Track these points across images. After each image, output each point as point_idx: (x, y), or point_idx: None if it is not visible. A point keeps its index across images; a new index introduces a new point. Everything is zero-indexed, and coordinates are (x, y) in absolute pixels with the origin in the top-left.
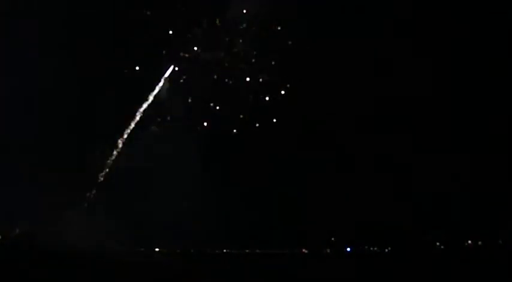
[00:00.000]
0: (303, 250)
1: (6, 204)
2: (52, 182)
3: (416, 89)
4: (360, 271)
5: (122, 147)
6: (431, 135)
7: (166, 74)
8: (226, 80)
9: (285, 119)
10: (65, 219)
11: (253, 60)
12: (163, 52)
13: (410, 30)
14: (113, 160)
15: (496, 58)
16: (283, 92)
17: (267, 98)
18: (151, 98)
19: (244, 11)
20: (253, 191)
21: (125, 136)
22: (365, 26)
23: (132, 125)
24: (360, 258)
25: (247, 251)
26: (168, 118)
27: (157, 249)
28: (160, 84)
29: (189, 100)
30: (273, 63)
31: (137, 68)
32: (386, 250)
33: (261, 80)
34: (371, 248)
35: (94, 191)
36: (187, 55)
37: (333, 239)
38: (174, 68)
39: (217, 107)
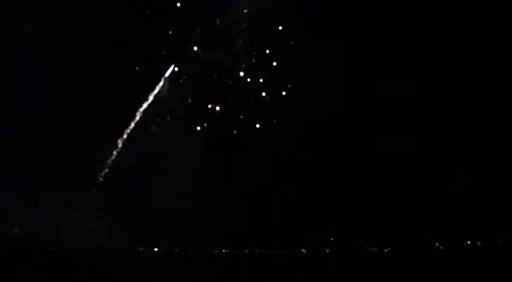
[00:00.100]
0: (302, 250)
1: (6, 204)
2: (52, 182)
3: (416, 89)
4: (359, 271)
5: (121, 147)
6: (431, 136)
7: (167, 74)
8: (226, 80)
9: (285, 119)
10: (65, 219)
11: (253, 60)
12: (163, 52)
13: (411, 30)
14: (112, 160)
15: (496, 58)
16: (283, 92)
17: (267, 98)
18: (151, 98)
19: (245, 11)
20: (252, 191)
21: (125, 136)
22: (366, 26)
23: (132, 125)
24: (359, 259)
25: (246, 251)
26: (168, 118)
27: (156, 249)
28: (160, 84)
29: (189, 100)
30: (273, 63)
31: (137, 68)
32: (386, 250)
33: (261, 80)
34: (370, 249)
35: (94, 191)
36: (187, 55)
37: (332, 239)
38: (174, 68)
39: (217, 107)
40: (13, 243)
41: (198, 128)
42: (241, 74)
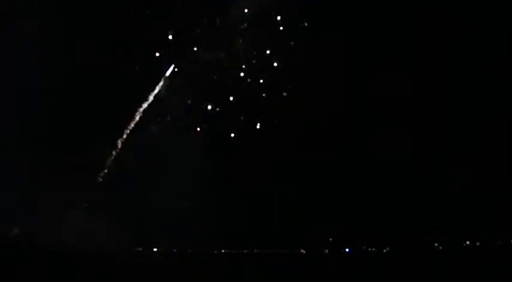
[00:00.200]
0: (302, 250)
1: (6, 204)
2: (52, 182)
3: (416, 89)
4: (359, 271)
5: (121, 147)
6: (430, 136)
7: (167, 74)
8: (226, 80)
9: (285, 119)
10: (64, 219)
11: (253, 60)
12: (163, 52)
13: (411, 31)
14: (112, 160)
15: (496, 58)
16: (283, 92)
17: (267, 98)
18: (151, 98)
19: (245, 11)
20: (252, 191)
21: (125, 136)
22: (366, 26)
23: (132, 124)
24: (359, 259)
25: (246, 251)
26: (168, 118)
27: (156, 250)
28: (160, 84)
29: (189, 100)
30: (273, 63)
31: (137, 68)
32: (385, 250)
33: (261, 80)
34: (369, 249)
35: (94, 191)
36: (187, 55)
37: (331, 239)
38: (174, 68)
39: (218, 107)
40: (13, 243)
41: (198, 128)
42: (241, 74)
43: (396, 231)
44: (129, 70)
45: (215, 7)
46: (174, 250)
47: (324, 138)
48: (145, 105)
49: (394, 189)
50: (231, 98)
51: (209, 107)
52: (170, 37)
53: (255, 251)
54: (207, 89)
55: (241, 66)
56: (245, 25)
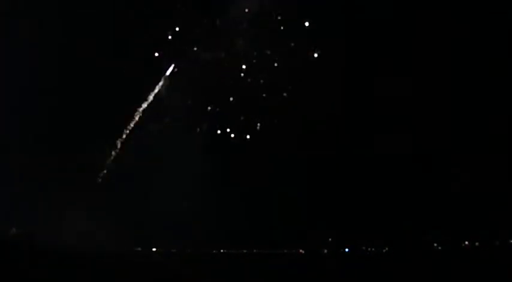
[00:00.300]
0: (301, 250)
1: (6, 204)
2: (52, 182)
3: (416, 89)
4: (358, 271)
5: (121, 147)
6: (430, 136)
7: (167, 74)
8: (226, 80)
9: (285, 119)
10: (64, 219)
11: (253, 60)
12: (163, 52)
13: (411, 31)
14: (112, 160)
15: (496, 58)
16: (283, 92)
17: (267, 98)
18: (151, 98)
19: (245, 11)
20: (252, 191)
21: (125, 136)
22: (366, 26)
23: (132, 125)
24: (358, 259)
25: (246, 251)
26: (168, 118)
27: (156, 250)
28: (160, 84)
29: (189, 100)
30: (273, 63)
31: (137, 67)
32: (384, 250)
33: (261, 80)
34: (369, 249)
35: (94, 191)
36: (187, 55)
37: (330, 239)
38: (174, 68)
39: (218, 107)
40: (13, 243)
41: (198, 128)
42: (241, 74)
43: (396, 231)
44: (129, 70)
45: (215, 7)
46: (174, 250)
47: (324, 138)
48: (145, 105)
49: (394, 190)
50: (231, 98)
51: (209, 107)
52: (170, 37)
53: (255, 251)
54: (207, 89)
55: (241, 66)
56: (245, 25)
